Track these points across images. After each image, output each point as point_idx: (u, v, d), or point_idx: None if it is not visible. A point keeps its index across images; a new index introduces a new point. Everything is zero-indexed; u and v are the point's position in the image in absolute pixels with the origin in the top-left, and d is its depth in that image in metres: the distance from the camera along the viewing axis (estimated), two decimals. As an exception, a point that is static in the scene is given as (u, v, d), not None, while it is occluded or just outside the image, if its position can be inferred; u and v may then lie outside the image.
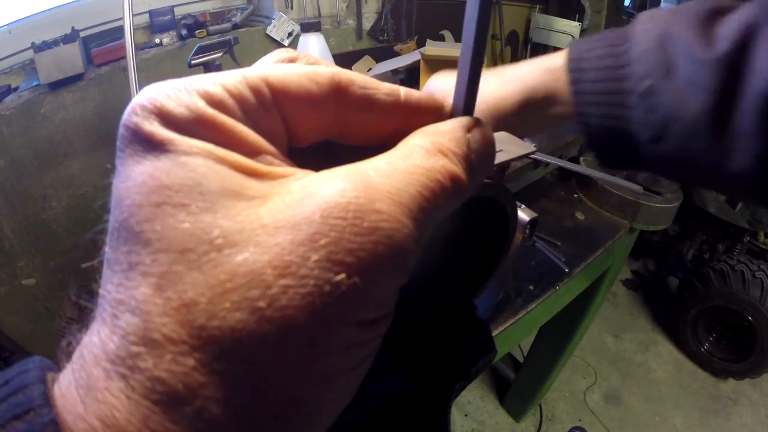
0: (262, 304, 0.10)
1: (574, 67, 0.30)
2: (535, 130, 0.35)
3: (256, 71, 0.13)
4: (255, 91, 0.12)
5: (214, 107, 0.12)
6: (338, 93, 0.13)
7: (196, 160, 0.11)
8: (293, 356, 0.10)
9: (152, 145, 0.11)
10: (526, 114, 0.32)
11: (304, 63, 0.15)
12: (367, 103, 0.14)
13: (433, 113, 0.15)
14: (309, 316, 0.10)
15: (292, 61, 0.15)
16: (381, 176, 0.12)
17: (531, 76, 0.32)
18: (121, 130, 0.12)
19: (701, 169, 0.27)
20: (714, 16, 0.27)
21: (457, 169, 0.13)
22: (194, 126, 0.11)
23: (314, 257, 0.10)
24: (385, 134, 0.15)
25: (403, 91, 0.15)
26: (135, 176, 0.11)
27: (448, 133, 0.14)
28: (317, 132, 0.14)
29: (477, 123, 0.15)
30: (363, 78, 0.14)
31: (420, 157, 0.13)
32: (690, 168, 0.28)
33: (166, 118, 0.11)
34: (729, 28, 0.25)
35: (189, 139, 0.11)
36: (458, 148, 0.14)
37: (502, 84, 0.32)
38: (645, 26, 0.29)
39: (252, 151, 0.12)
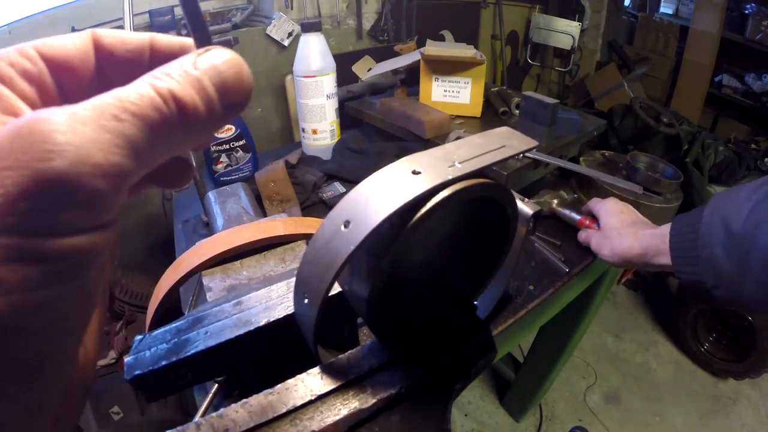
0: None
1: (672, 237, 0.50)
2: (645, 269, 0.58)
3: (29, 43, 0.15)
4: (22, 53, 0.15)
5: None
6: (96, 42, 0.16)
7: None
8: None
9: None
10: (644, 260, 0.56)
11: None
12: (121, 44, 0.16)
13: (183, 54, 0.15)
14: None
15: None
16: (85, 106, 0.12)
17: (651, 239, 0.55)
18: None
19: (747, 302, 0.43)
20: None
21: (175, 87, 0.13)
22: None
23: None
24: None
25: (152, 35, 0.17)
26: None
27: (170, 65, 0.13)
28: (85, 84, 0.16)
29: (210, 48, 0.14)
30: (118, 31, 0.16)
31: (128, 87, 0.12)
32: (740, 301, 0.44)
33: None
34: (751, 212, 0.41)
35: None
36: (178, 70, 0.13)
37: (634, 240, 0.57)
38: (710, 207, 0.46)
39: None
